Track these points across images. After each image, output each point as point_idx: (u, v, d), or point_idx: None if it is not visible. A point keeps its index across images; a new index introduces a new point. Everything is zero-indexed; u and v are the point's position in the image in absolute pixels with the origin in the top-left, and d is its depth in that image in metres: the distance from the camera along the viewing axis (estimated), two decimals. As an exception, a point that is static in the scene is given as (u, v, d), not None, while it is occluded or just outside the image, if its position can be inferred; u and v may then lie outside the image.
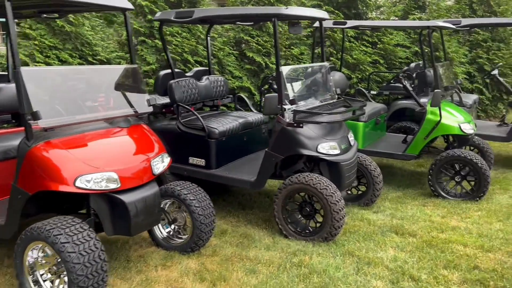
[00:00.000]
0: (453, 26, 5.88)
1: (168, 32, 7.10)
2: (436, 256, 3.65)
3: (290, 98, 4.08)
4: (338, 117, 4.20)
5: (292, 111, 4.06)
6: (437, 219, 4.48)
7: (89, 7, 3.88)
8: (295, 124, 4.08)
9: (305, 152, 4.12)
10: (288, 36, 8.12)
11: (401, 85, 6.43)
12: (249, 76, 7.66)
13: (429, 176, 5.30)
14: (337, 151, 4.26)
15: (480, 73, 9.53)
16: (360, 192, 5.15)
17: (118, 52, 7.23)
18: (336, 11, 8.30)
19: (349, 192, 5.21)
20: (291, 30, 4.55)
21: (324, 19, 4.70)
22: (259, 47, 7.61)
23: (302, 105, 4.30)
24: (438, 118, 5.31)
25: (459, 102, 6.86)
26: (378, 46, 8.44)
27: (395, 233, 4.17)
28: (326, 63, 4.98)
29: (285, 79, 4.12)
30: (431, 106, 5.27)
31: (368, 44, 8.48)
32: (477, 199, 5.08)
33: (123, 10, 3.68)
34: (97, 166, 3.09)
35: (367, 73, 8.11)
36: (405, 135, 6.14)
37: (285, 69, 4.16)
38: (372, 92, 7.63)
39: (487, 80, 9.52)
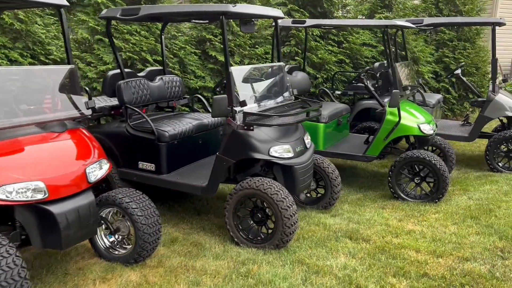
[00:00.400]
0: (412, 26, 5.81)
1: (125, 31, 6.85)
2: (387, 263, 3.54)
3: (241, 100, 3.92)
4: (290, 120, 4.06)
5: (242, 113, 3.90)
6: (394, 223, 4.39)
7: (21, 3, 3.63)
8: (245, 127, 3.92)
9: (257, 155, 3.97)
10: (253, 35, 7.95)
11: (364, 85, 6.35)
12: (212, 76, 7.47)
13: (389, 178, 5.22)
14: (290, 154, 4.12)
15: (446, 72, 9.56)
16: (319, 195, 5.04)
17: (74, 51, 6.94)
18: (301, 10, 8.17)
19: (308, 194, 5.09)
20: (243, 28, 4.39)
21: (278, 18, 4.54)
22: (222, 46, 7.42)
23: (255, 107, 4.15)
24: (397, 119, 5.23)
25: (422, 101, 6.83)
26: (343, 45, 8.35)
27: (349, 238, 4.05)
28: (282, 63, 4.83)
29: (235, 79, 3.95)
30: (389, 106, 5.19)
31: (334, 44, 8.38)
32: (436, 200, 5.02)
33: (58, 7, 3.45)
34: (22, 175, 2.87)
35: (332, 73, 8.02)
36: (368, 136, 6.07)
37: (235, 70, 3.99)
38: (337, 92, 7.53)
39: (453, 79, 9.56)
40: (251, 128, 3.91)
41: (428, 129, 5.33)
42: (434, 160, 4.98)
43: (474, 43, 9.80)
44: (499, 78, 6.65)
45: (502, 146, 6.35)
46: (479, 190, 5.38)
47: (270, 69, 4.84)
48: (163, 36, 5.50)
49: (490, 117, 6.43)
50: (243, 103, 3.91)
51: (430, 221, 4.42)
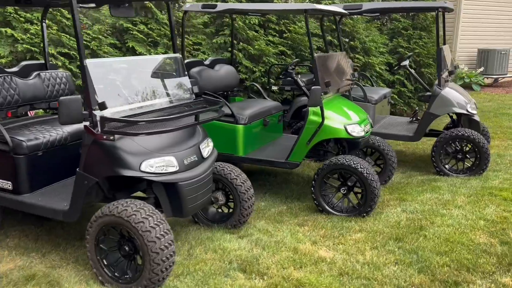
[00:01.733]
0: (340, 11, 5.05)
1: (23, 19, 5.92)
2: (273, 310, 2.80)
3: (99, 101, 3.09)
4: (167, 126, 3.25)
5: (99, 118, 3.08)
6: (305, 247, 3.65)
7: None
8: (104, 136, 3.10)
9: (124, 172, 3.16)
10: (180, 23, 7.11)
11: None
12: (133, 70, 6.60)
13: (312, 188, 4.49)
14: (174, 168, 3.33)
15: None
16: (231, 210, 4.27)
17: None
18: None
19: (219, 210, 4.32)
20: (113, 12, 3.56)
21: (171, 0, 3.73)
22: (142, 36, 6.57)
23: (126, 110, 3.31)
24: (321, 119, 4.49)
25: (362, 97, 6.11)
26: (284, 35, 7.57)
27: (242, 272, 3.30)
28: (177, 55, 4.02)
29: (93, 75, 3.12)
30: (308, 105, 4.44)
31: (274, 33, 7.59)
32: (364, 215, 4.31)
33: None
34: None
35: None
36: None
37: (91, 64, 3.13)
38: (274, 87, 6.76)
39: (408, 71, 8.90)
40: (111, 138, 3.10)
41: (358, 130, 4.60)
42: (361, 168, 4.26)
43: (430, 32, 9.13)
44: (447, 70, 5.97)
45: (449, 147, 5.68)
46: (416, 200, 4.69)
47: (159, 63, 4.00)
48: (44, 24, 4.62)
49: (436, 114, 5.75)
50: (102, 106, 3.08)
51: (348, 244, 3.69)
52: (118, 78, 3.43)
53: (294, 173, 5.84)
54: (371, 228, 3.97)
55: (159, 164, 3.28)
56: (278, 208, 4.68)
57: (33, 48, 5.88)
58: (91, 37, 6.38)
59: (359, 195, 4.41)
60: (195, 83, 4.31)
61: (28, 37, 5.85)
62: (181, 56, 4.05)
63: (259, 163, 4.93)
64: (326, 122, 4.51)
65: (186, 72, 4.07)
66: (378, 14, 7.33)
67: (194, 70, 5.20)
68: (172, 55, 4.06)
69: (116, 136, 3.12)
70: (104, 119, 3.06)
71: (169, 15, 3.98)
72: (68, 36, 6.11)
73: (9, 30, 5.71)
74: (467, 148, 5.62)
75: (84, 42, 6.24)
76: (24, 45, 5.73)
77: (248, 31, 7.15)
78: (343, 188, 4.46)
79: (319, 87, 4.34)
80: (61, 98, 2.97)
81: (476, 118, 5.90)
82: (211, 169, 3.74)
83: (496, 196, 4.68)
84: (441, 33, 6.01)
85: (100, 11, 6.87)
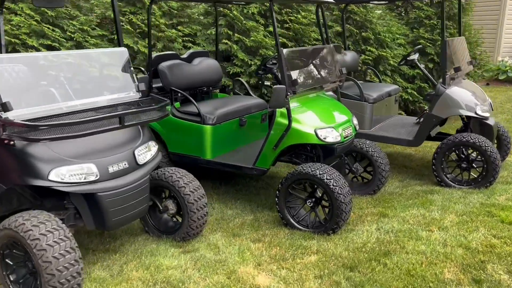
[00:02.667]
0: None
1: (6, 11, 5.78)
2: None
3: (3, 101, 2.78)
4: (85, 130, 2.89)
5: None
6: (245, 270, 3.21)
7: None
8: (5, 141, 2.80)
9: (32, 182, 2.86)
10: (177, 14, 6.77)
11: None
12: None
13: (276, 199, 4.01)
14: (93, 177, 2.99)
15: (423, 57, 8.08)
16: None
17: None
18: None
19: (174, 218, 3.96)
20: (36, 2, 3.24)
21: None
22: (130, 27, 6.27)
23: (46, 110, 2.98)
24: (287, 122, 3.98)
25: (359, 95, 5.51)
26: (285, 25, 7.02)
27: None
28: (122, 49, 3.65)
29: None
30: (269, 107, 3.94)
31: (276, 24, 7.06)
32: (330, 232, 3.79)
33: None
34: None
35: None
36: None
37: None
38: (266, 82, 6.26)
39: (431, 65, 8.09)
40: (11, 142, 2.79)
41: (333, 135, 4.06)
42: (327, 178, 3.72)
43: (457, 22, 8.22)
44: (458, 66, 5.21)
45: (452, 154, 4.98)
46: (398, 217, 4.09)
47: (96, 58, 3.64)
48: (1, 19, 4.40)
49: (439, 116, 5.05)
50: (5, 107, 2.77)
51: (294, 269, 3.21)
52: (33, 76, 3.11)
53: (278, 177, 5.36)
54: (329, 250, 3.45)
55: (74, 173, 2.95)
56: (243, 218, 4.24)
57: (15, 40, 5.74)
58: (77, 28, 6.16)
59: (327, 210, 3.88)
60: (147, 80, 3.94)
61: (9, 27, 5.71)
62: (125, 49, 3.67)
63: (226, 168, 4.50)
64: (294, 125, 4.01)
65: (131, 68, 3.69)
66: (387, 2, 6.62)
67: (164, 64, 4.83)
68: (115, 49, 3.70)
69: (20, 142, 2.81)
70: (4, 122, 2.75)
71: (113, 7, 3.60)
72: (51, 27, 5.92)
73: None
74: (473, 156, 4.90)
75: (68, 33, 6.04)
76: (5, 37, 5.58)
77: (245, 21, 6.68)
78: (309, 201, 3.95)
79: (283, 86, 3.83)
80: None
81: (490, 122, 5.14)
82: (145, 179, 3.36)
83: (494, 216, 3.99)
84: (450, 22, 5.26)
85: (89, 2, 6.64)
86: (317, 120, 4.13)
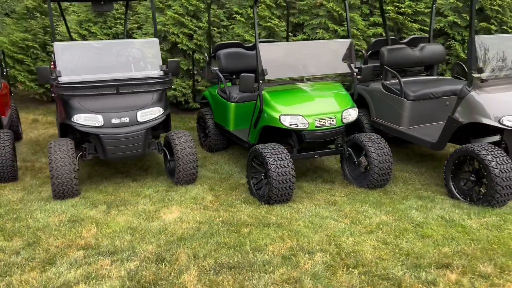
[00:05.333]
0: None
1: None
2: None
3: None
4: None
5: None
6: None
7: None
8: (53, 94, 4.76)
9: (63, 121, 4.75)
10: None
11: None
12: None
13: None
14: (99, 124, 4.68)
15: None
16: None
17: None
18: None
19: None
20: (94, 8, 5.05)
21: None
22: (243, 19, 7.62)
23: (85, 79, 4.81)
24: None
25: (399, 90, 5.38)
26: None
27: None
28: (155, 39, 5.14)
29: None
30: (239, 90, 4.69)
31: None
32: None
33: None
34: None
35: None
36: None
37: (58, 46, 4.77)
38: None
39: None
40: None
41: (297, 122, 4.52)
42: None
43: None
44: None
45: (464, 164, 4.47)
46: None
47: (135, 46, 5.23)
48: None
49: (459, 121, 4.56)
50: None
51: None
52: (83, 56, 4.97)
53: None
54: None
55: (87, 119, 4.69)
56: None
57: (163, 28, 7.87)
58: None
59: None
60: (176, 63, 5.23)
61: None
62: (157, 40, 5.15)
63: (235, 139, 5.52)
64: (267, 109, 4.68)
65: (159, 53, 5.14)
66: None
67: (222, 51, 6.02)
68: (150, 39, 5.23)
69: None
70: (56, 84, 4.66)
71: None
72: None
73: None
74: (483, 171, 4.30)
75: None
76: None
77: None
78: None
79: (252, 75, 4.55)
80: None
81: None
82: (140, 131, 4.78)
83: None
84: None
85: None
86: (287, 107, 4.62)
